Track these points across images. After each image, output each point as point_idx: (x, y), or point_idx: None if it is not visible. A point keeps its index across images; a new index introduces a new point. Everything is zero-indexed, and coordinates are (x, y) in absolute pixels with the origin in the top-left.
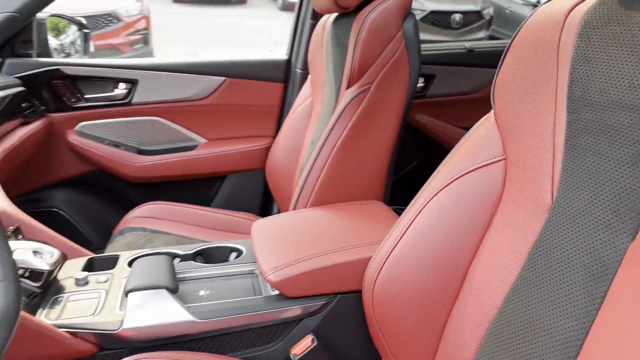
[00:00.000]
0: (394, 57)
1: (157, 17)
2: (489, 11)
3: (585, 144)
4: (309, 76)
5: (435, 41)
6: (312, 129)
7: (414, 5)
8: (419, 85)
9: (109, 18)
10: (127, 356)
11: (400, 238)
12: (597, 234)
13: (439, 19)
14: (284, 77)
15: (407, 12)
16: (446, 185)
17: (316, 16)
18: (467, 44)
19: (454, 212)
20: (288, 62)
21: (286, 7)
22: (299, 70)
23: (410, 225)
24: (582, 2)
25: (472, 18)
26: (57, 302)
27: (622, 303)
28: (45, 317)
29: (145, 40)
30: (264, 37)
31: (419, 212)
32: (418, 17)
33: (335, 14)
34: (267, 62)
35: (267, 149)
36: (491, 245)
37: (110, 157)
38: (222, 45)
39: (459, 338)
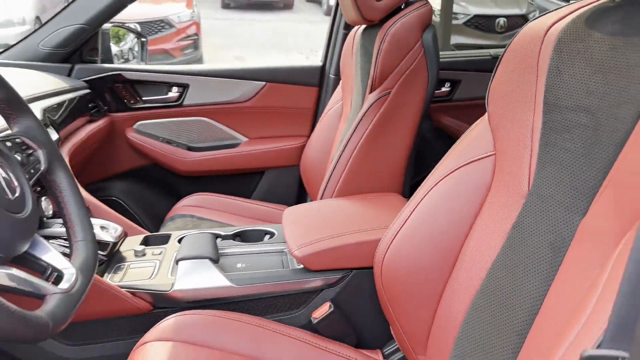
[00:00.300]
0: (413, 64)
1: (206, 23)
2: (534, 15)
3: (554, 141)
4: (341, 81)
5: (478, 46)
6: (342, 129)
7: (457, 9)
8: (445, 89)
9: (162, 24)
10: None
11: (406, 220)
12: (558, 214)
13: (483, 23)
14: (318, 82)
15: (427, 24)
16: (446, 176)
17: (348, 27)
18: (492, 51)
19: (452, 199)
20: (322, 68)
21: (330, 12)
22: (332, 76)
23: (414, 209)
24: (559, 21)
25: (517, 22)
26: (119, 268)
27: (572, 271)
28: (110, 279)
29: (196, 46)
30: (307, 41)
31: (422, 199)
32: (461, 21)
33: (364, 26)
34: (304, 68)
35: (302, 147)
36: (481, 226)
37: (164, 153)
38: (268, 50)
39: (452, 304)
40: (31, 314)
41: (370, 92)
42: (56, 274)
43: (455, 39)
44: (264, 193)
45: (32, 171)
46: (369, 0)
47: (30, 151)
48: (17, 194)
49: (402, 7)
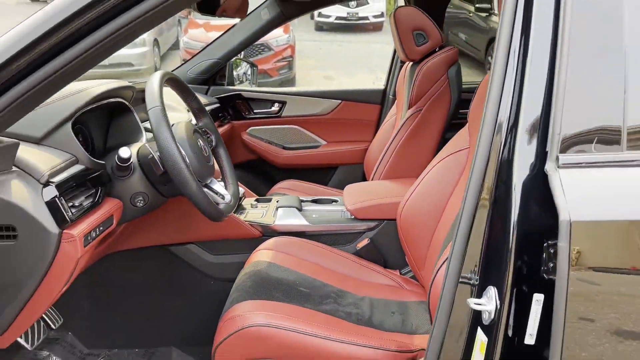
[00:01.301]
0: (439, 91)
1: (300, 44)
2: None
3: None
4: (396, 101)
5: None
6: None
7: None
8: None
9: (262, 47)
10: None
11: (416, 188)
12: None
13: None
14: (380, 101)
15: (452, 63)
16: (440, 161)
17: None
18: None
19: (443, 175)
20: (384, 90)
21: None
22: (390, 97)
23: (420, 182)
24: None
25: None
26: (242, 212)
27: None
28: (238, 216)
29: (290, 67)
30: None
31: (426, 175)
32: None
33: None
34: (370, 90)
35: (365, 149)
36: (457, 190)
37: (266, 150)
38: (355, 70)
39: (438, 235)
40: (216, 205)
41: (408, 109)
42: (222, 195)
43: None
44: (336, 183)
45: (210, 146)
46: (411, 46)
47: (208, 135)
48: (207, 154)
49: (437, 50)
